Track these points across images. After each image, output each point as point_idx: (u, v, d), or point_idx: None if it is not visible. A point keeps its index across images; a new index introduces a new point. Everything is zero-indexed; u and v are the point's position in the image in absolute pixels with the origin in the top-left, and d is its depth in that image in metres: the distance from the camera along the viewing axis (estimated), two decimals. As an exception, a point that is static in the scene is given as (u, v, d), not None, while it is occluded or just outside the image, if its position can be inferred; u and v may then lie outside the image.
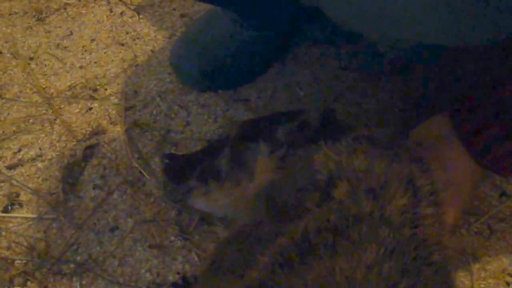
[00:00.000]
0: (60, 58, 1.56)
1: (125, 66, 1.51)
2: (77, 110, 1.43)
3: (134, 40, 1.58)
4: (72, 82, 1.50)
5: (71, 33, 1.62)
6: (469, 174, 0.92)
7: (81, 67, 1.53)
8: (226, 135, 1.09)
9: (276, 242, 0.80)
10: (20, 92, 1.50)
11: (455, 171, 0.91)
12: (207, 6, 1.50)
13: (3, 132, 1.41)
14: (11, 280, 1.16)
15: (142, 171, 1.29)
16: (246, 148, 1.00)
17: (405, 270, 0.75)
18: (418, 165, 0.86)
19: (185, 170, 1.12)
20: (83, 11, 1.69)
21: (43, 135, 1.40)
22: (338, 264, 0.74)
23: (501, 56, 0.90)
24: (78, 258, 1.19)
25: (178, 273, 1.15)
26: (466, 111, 0.90)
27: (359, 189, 0.81)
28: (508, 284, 1.10)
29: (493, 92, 0.88)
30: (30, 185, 1.31)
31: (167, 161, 1.16)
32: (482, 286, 1.10)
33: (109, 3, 1.69)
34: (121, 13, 1.66)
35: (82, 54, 1.57)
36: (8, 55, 1.60)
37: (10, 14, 1.71)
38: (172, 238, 1.19)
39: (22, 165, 1.34)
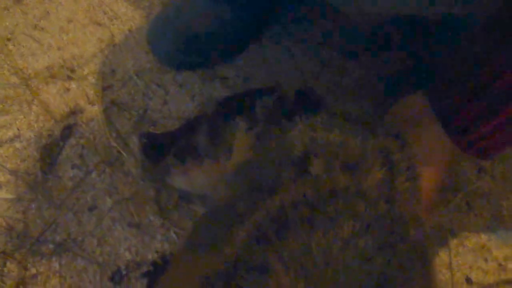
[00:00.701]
0: (37, 39, 1.53)
1: (103, 46, 1.49)
2: (55, 90, 1.41)
3: (111, 20, 1.55)
4: (50, 62, 1.48)
5: (48, 14, 1.59)
6: (446, 152, 0.90)
7: (58, 47, 1.51)
8: (204, 112, 1.07)
9: (253, 218, 0.79)
10: (-2, 73, 1.47)
11: (431, 149, 0.89)
12: (184, -15, 1.48)
13: (-19, 113, 1.39)
14: (-10, 261, 1.15)
15: (121, 150, 1.28)
16: (224, 125, 0.99)
17: (381, 245, 0.74)
18: (395, 140, 0.85)
19: (163, 148, 1.10)
20: (60, -8, 1.66)
21: (21, 116, 1.38)
22: (315, 238, 0.73)
23: (481, 35, 0.88)
24: (57, 238, 1.18)
25: (157, 252, 1.15)
26: (444, 90, 0.89)
27: (335, 164, 0.80)
28: (486, 260, 1.10)
29: (472, 72, 0.86)
30: (8, 166, 1.29)
31: (145, 140, 1.14)
32: (461, 262, 1.10)
33: (86, -17, 1.66)
34: (98, -7, 1.64)
35: (59, 34, 1.54)
36: (-15, 37, 1.57)
37: (-14, -5, 1.68)
38: (151, 217, 1.19)
39: (0, 146, 1.32)
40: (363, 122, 0.87)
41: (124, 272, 1.13)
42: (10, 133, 1.34)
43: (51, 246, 1.17)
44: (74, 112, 1.36)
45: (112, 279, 1.12)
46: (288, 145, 0.85)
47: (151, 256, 1.14)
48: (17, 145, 1.33)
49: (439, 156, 0.90)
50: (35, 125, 1.36)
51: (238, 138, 0.97)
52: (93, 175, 1.26)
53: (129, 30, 1.52)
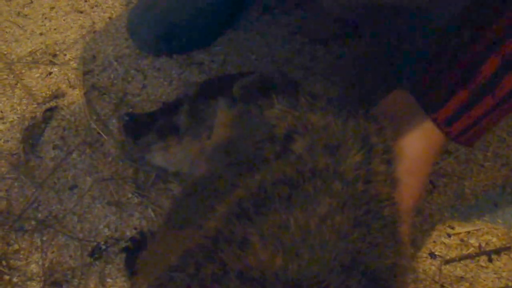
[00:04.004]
0: (21, 26, 1.50)
1: (84, 33, 1.46)
2: (38, 74, 1.38)
3: (92, 8, 1.53)
4: (33, 48, 1.45)
5: (32, 2, 1.57)
6: (432, 146, 0.87)
7: (41, 34, 1.48)
8: (184, 94, 1.04)
9: (233, 194, 0.77)
10: (-18, 58, 1.43)
11: (419, 144, 0.86)
12: (163, -26, 1.45)
13: (-35, 96, 1.36)
14: (-26, 237, 1.12)
15: (100, 132, 1.25)
16: (205, 104, 0.96)
17: (356, 223, 0.73)
18: (373, 123, 0.82)
19: (144, 127, 1.07)
20: (43, -20, 1.62)
21: (4, 98, 1.35)
22: (293, 215, 0.71)
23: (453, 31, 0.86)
24: (39, 215, 1.15)
25: (135, 228, 1.12)
26: (429, 82, 0.85)
27: (317, 144, 0.78)
28: (449, 235, 1.09)
29: (455, 61, 0.83)
30: (-9, 146, 1.26)
31: (127, 118, 1.11)
32: (425, 237, 1.09)
33: (67, -28, 1.62)
34: (80, -18, 1.60)
35: (42, 21, 1.51)
36: (-30, 23, 1.53)
37: (-29, -16, 1.64)
38: (129, 195, 1.16)
39: (-16, 128, 1.29)
40: (343, 104, 0.84)
41: (103, 248, 1.10)
42: (-6, 115, 1.31)
43: (33, 223, 1.14)
44: (56, 95, 1.33)
45: (91, 254, 1.10)
46: (269, 122, 0.83)
47: (129, 232, 1.12)
48: (1, 126, 1.29)
49: (426, 152, 0.86)
50: (18, 108, 1.32)
51: (218, 116, 0.94)
52: (74, 155, 1.23)
53: (110, 18, 1.50)
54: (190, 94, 1.01)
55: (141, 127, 1.07)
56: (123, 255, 1.07)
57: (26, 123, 1.29)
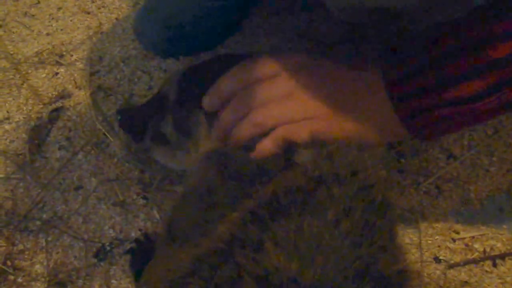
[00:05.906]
0: (27, 26, 1.51)
1: (91, 33, 1.46)
2: (44, 75, 1.39)
3: (99, 8, 1.53)
4: (39, 48, 1.45)
5: (38, 2, 1.57)
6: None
7: (48, 34, 1.48)
8: (164, 93, 1.02)
9: (243, 203, 0.77)
10: (-12, 58, 1.44)
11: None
12: (170, -25, 1.45)
13: (-29, 96, 1.37)
14: (-22, 237, 1.13)
15: (106, 133, 1.25)
16: (187, 118, 0.94)
17: (364, 228, 0.74)
18: None
19: (139, 124, 1.05)
20: (50, -19, 1.63)
21: (10, 98, 1.35)
22: (306, 221, 0.72)
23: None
24: (44, 215, 1.16)
25: (140, 230, 1.13)
26: (396, 59, 0.85)
27: (321, 153, 0.79)
28: (454, 240, 1.09)
29: (424, 46, 0.83)
30: (-3, 146, 1.27)
31: (119, 117, 1.10)
32: (430, 242, 1.09)
33: (75, -27, 1.63)
34: (87, -18, 1.61)
35: (49, 21, 1.52)
36: (-23, 23, 1.54)
37: (-22, -17, 1.65)
38: (135, 196, 1.17)
39: (-10, 128, 1.30)
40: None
41: (108, 249, 1.11)
42: (0, 115, 1.32)
43: (38, 223, 1.15)
44: (62, 96, 1.34)
45: (96, 255, 1.10)
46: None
47: (134, 233, 1.12)
48: (7, 126, 1.30)
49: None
50: (24, 108, 1.33)
51: (201, 131, 0.93)
52: (80, 156, 1.23)
53: (116, 19, 1.50)
54: (170, 98, 0.99)
55: (136, 125, 1.05)
56: (128, 256, 1.08)
57: (32, 123, 1.29)
